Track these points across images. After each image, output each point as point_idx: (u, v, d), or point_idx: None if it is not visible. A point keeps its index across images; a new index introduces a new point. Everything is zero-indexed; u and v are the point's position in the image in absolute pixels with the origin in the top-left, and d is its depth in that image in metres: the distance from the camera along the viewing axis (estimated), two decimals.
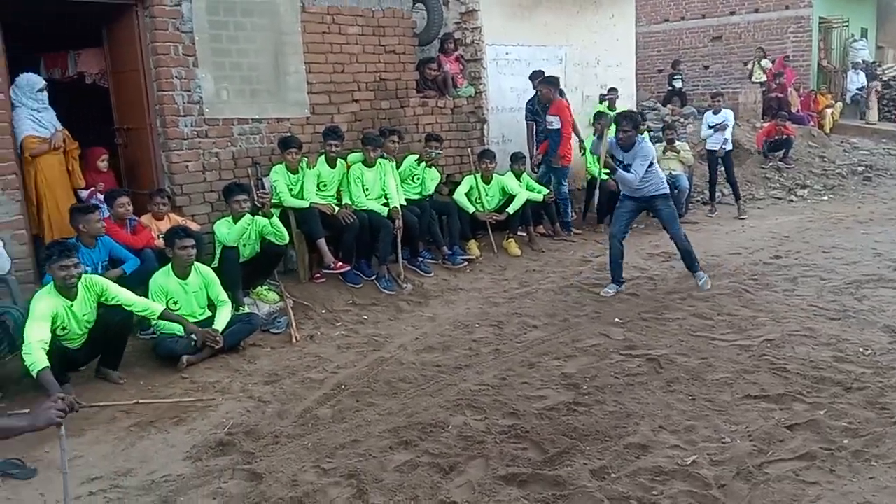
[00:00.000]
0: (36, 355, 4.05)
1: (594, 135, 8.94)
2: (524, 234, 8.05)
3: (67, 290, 4.38)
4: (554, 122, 8.22)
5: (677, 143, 9.60)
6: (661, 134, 10.21)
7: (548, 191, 8.24)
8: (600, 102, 9.87)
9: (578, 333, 5.24)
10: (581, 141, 8.98)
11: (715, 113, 9.83)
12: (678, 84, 14.56)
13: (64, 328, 4.42)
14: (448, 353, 5.00)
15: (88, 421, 4.09)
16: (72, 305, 4.43)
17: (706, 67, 17.16)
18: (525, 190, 7.93)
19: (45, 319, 4.21)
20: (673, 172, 9.36)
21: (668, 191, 6.41)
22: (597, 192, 8.93)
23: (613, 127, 8.73)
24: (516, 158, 8.13)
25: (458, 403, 4.10)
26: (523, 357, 4.83)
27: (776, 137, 12.00)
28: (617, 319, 5.50)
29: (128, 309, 4.65)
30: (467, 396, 4.19)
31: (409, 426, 3.83)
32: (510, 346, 5.06)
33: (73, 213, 5.25)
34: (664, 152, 9.65)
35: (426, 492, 3.17)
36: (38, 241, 5.67)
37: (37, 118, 5.71)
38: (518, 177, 8.06)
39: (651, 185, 6.21)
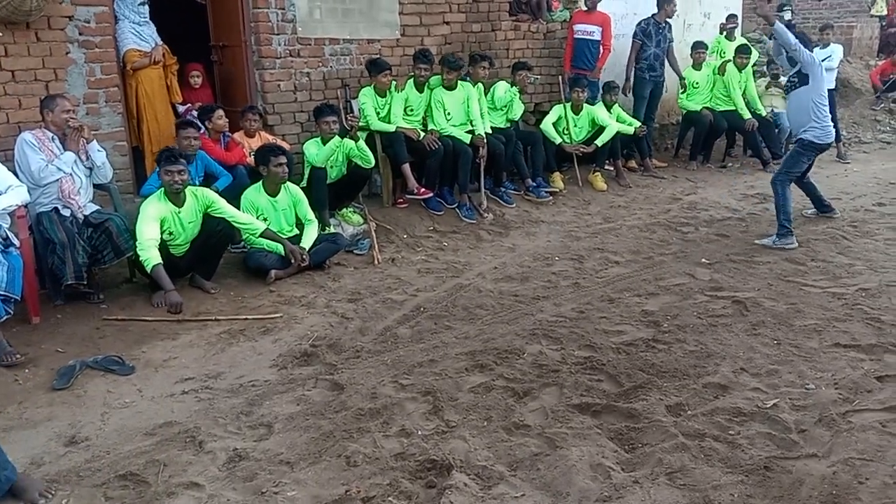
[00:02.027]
0: (150, 252, 4.38)
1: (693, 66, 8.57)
2: (611, 168, 7.84)
3: (175, 197, 4.62)
4: (595, 32, 7.87)
5: (782, 77, 9.04)
6: (765, 69, 9.65)
7: (640, 123, 7.97)
8: (720, 32, 9.34)
9: (662, 272, 5.13)
10: (681, 77, 8.59)
11: (823, 48, 9.17)
12: (787, 15, 13.49)
13: (170, 233, 4.68)
14: (526, 283, 5.00)
15: (182, 325, 4.34)
16: (179, 212, 4.68)
17: None
18: (615, 122, 7.69)
19: (154, 220, 4.51)
20: (775, 110, 8.90)
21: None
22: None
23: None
24: (609, 88, 7.86)
25: (534, 332, 4.12)
26: (603, 292, 4.78)
27: (891, 77, 11.13)
28: (704, 260, 5.35)
29: (232, 222, 4.85)
30: (544, 326, 4.21)
31: (484, 350, 3.88)
32: (590, 281, 5.02)
33: (177, 127, 5.47)
34: (767, 88, 9.16)
35: (500, 413, 3.23)
36: (138, 153, 5.93)
37: (138, 32, 5.87)
38: (609, 108, 7.81)
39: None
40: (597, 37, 7.91)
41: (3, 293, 3.83)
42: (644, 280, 4.99)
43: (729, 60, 8.58)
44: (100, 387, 3.60)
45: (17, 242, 4.17)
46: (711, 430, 3.06)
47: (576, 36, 7.89)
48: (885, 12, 13.39)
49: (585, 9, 7.99)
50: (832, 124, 5.66)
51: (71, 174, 4.59)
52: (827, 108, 5.62)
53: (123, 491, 2.72)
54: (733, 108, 8.54)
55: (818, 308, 4.38)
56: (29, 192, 4.40)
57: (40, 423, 3.26)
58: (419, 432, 3.08)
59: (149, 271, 4.46)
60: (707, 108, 8.59)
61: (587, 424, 3.14)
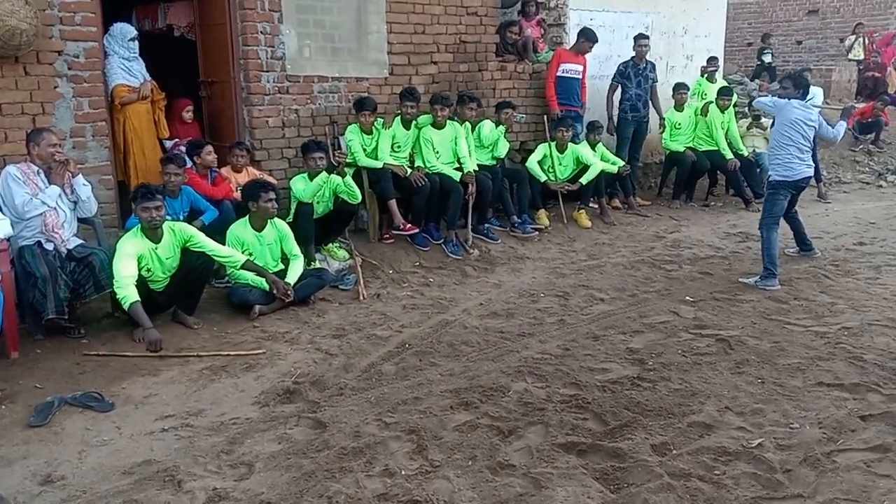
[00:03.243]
0: (127, 290, 4.34)
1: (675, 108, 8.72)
2: (596, 206, 7.92)
3: (152, 233, 4.60)
4: (581, 70, 8.09)
5: (763, 119, 9.22)
6: (746, 110, 9.84)
7: (623, 163, 8.08)
8: (702, 75, 9.54)
9: (647, 309, 5.15)
10: (661, 118, 8.75)
11: None
12: (767, 58, 13.94)
13: (148, 269, 4.64)
14: (512, 320, 5.00)
15: (164, 361, 4.28)
16: (156, 248, 4.65)
17: (799, 42, 16.35)
18: (600, 161, 7.78)
19: (131, 258, 4.47)
20: (757, 150, 9.05)
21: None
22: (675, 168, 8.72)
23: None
24: (593, 128, 7.99)
25: (519, 370, 4.11)
26: (588, 329, 4.79)
27: (869, 119, 11.38)
28: (688, 298, 5.38)
29: (212, 256, 4.84)
30: (529, 364, 4.19)
31: (470, 388, 3.86)
32: (575, 318, 5.02)
33: (161, 163, 5.48)
34: (748, 128, 9.32)
35: (484, 452, 3.20)
36: (123, 187, 5.92)
37: (127, 67, 5.91)
38: (593, 147, 7.92)
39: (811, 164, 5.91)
40: (580, 75, 8.08)
41: None
42: (629, 317, 5.00)
43: (711, 102, 8.75)
44: (78, 424, 3.53)
45: None
46: (697, 470, 3.05)
47: (563, 75, 8.01)
48: (861, 56, 13.74)
49: (573, 50, 8.12)
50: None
51: (55, 208, 4.57)
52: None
53: None
54: (716, 148, 8.69)
55: (801, 347, 4.40)
56: (12, 225, 4.37)
57: (15, 461, 3.19)
58: (402, 472, 3.04)
59: (126, 309, 4.40)
60: (690, 148, 8.72)
61: (572, 464, 3.11)
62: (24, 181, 4.53)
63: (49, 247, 4.50)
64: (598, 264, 6.41)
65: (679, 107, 8.78)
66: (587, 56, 8.14)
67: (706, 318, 4.93)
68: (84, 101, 5.39)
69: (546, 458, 3.15)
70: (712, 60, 9.60)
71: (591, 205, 7.85)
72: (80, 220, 4.85)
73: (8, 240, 4.34)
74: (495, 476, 3.02)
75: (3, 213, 4.40)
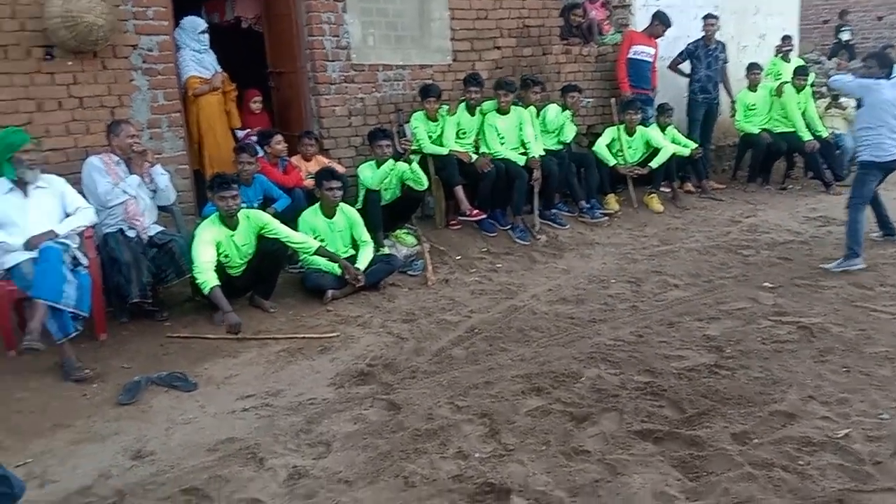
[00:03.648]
0: (207, 275, 4.48)
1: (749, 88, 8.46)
2: (668, 190, 7.74)
3: (229, 220, 4.74)
4: (652, 53, 7.95)
5: (843, 99, 8.83)
6: (824, 90, 9.44)
7: (695, 145, 7.87)
8: (776, 54, 9.21)
9: (723, 296, 5.01)
10: (732, 100, 8.48)
11: None
12: (845, 36, 13.35)
13: (226, 255, 4.78)
14: (582, 306, 4.94)
15: (243, 343, 4.41)
16: (233, 235, 4.79)
17: (879, 18, 15.56)
18: (671, 143, 7.60)
19: (210, 244, 4.62)
20: (836, 131, 8.67)
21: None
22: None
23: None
24: (663, 110, 7.80)
25: (591, 356, 4.06)
26: (662, 316, 4.69)
27: None
28: (767, 284, 5.20)
29: (286, 242, 4.94)
30: (602, 350, 4.14)
31: (541, 374, 3.84)
32: (648, 304, 4.93)
33: (234, 152, 5.62)
34: (827, 109, 8.94)
35: (558, 438, 3.18)
36: (199, 176, 6.09)
37: (199, 59, 6.07)
38: (663, 129, 7.74)
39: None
40: (652, 59, 7.93)
41: (72, 310, 3.96)
42: (704, 304, 4.87)
43: (786, 82, 8.42)
44: (164, 402, 3.67)
45: (85, 262, 4.31)
46: (780, 460, 2.95)
47: (634, 57, 7.86)
48: None
49: (645, 33, 7.96)
50: (895, 142, 5.47)
51: (136, 196, 4.74)
52: (884, 128, 5.40)
53: None
54: (792, 129, 8.36)
55: (889, 335, 4.20)
56: (96, 213, 4.55)
57: (108, 437, 3.34)
58: (476, 455, 3.05)
59: (206, 293, 4.55)
60: (765, 129, 8.42)
61: (649, 451, 3.06)
62: (106, 171, 4.71)
63: (131, 234, 4.67)
64: (672, 250, 6.26)
65: (753, 87, 8.50)
66: (659, 41, 7.95)
67: (786, 305, 4.77)
68: (159, 94, 5.55)
69: (621, 445, 3.11)
70: (786, 39, 9.24)
71: (662, 189, 7.68)
72: (160, 208, 5.02)
73: (93, 227, 4.52)
74: (570, 461, 2.99)
75: (88, 201, 4.58)
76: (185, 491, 2.83)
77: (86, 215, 4.44)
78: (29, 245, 4.13)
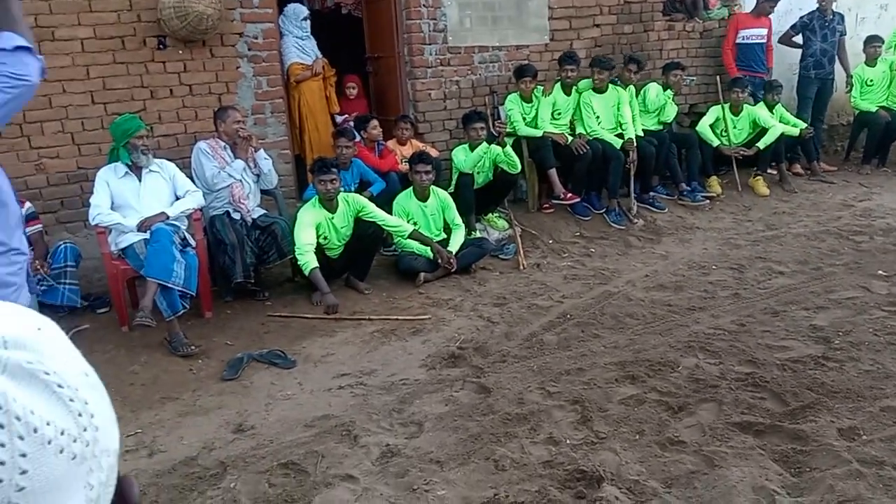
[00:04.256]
0: (307, 256, 4.66)
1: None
2: (774, 172, 7.36)
3: (328, 203, 4.88)
4: (765, 34, 7.55)
5: None
6: None
7: (805, 125, 7.44)
8: None
9: (832, 284, 4.75)
10: (849, 75, 7.95)
11: None
12: None
13: (325, 237, 4.93)
14: (680, 293, 4.79)
15: (339, 323, 4.54)
16: (332, 218, 4.93)
17: None
18: (779, 123, 7.22)
19: (310, 226, 4.78)
20: None
21: None
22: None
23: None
24: (771, 87, 7.39)
25: (689, 345, 3.93)
26: (766, 304, 4.49)
27: None
28: (881, 272, 4.89)
29: (382, 225, 5.05)
30: (700, 339, 4.00)
31: (635, 361, 3.75)
32: (751, 292, 4.73)
33: (333, 137, 5.76)
34: None
35: (653, 427, 3.10)
36: (299, 161, 6.28)
37: (301, 46, 6.23)
38: (771, 108, 7.35)
39: None
40: (765, 39, 7.57)
41: (181, 289, 4.18)
42: (812, 292, 4.63)
43: None
44: (264, 379, 3.83)
45: (193, 243, 4.54)
46: (892, 458, 2.77)
47: (744, 41, 7.54)
48: None
49: (753, 13, 7.59)
50: None
51: (241, 180, 4.94)
52: None
53: (285, 479, 2.87)
54: None
55: None
56: (203, 196, 4.78)
57: (211, 410, 3.52)
58: (567, 441, 3.03)
59: (306, 274, 4.71)
60: (883, 107, 7.85)
61: (749, 444, 2.94)
62: (213, 155, 4.92)
63: (236, 216, 4.88)
64: (777, 235, 5.97)
65: (871, 62, 7.92)
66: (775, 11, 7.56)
67: None
68: (263, 80, 5.74)
69: (719, 437, 3.00)
70: None
71: (769, 171, 7.31)
72: (263, 192, 5.21)
73: (201, 210, 4.75)
74: (664, 451, 2.92)
75: (196, 185, 4.81)
76: (283, 465, 2.94)
77: (194, 198, 4.67)
78: (141, 226, 4.39)
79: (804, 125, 7.41)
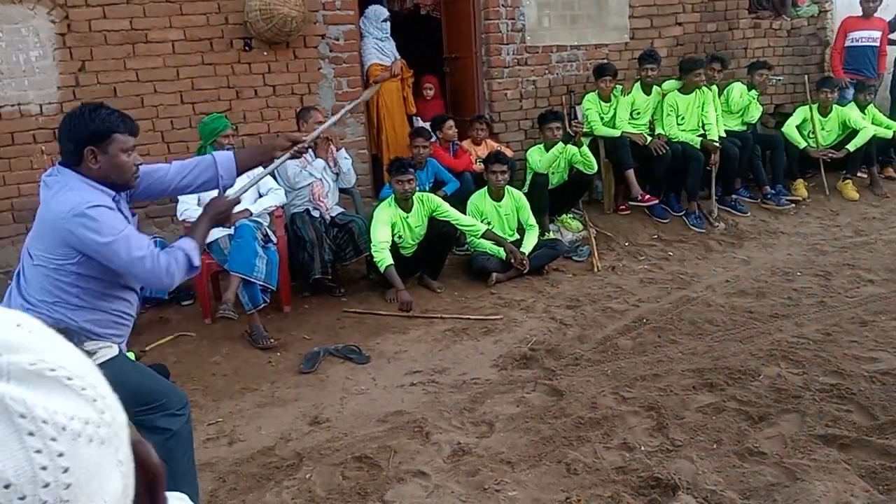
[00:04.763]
0: (383, 254, 4.75)
1: None
2: (865, 175, 7.02)
3: (404, 203, 4.96)
4: (877, 37, 7.23)
5: None
6: None
7: None
8: None
9: None
10: None
11: None
12: None
13: (400, 236, 5.01)
14: (763, 299, 4.64)
15: (412, 321, 4.59)
16: (407, 217, 5.01)
17: None
18: (871, 124, 6.88)
19: (386, 224, 4.87)
20: None
21: None
22: None
23: None
24: (862, 87, 7.05)
25: (771, 353, 3.81)
26: (854, 313, 4.30)
27: None
28: None
29: (455, 224, 5.09)
30: (783, 348, 3.87)
31: (714, 369, 3.66)
32: (838, 300, 4.53)
33: (409, 137, 5.84)
34: None
35: (731, 437, 3.02)
36: (376, 160, 6.38)
37: (380, 47, 6.32)
38: (862, 109, 7.01)
39: None
40: (877, 42, 7.27)
41: (262, 283, 4.32)
42: None
43: None
44: (339, 373, 3.92)
45: (274, 239, 4.68)
46: None
47: (854, 44, 7.27)
48: None
49: (861, 16, 7.29)
50: None
51: (321, 179, 5.06)
52: None
53: (359, 472, 2.93)
54: None
55: None
56: (285, 194, 4.92)
57: (289, 402, 3.63)
58: (642, 447, 2.98)
59: (382, 271, 4.78)
60: None
61: (833, 458, 2.83)
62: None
63: (315, 214, 5.00)
64: (867, 241, 5.71)
65: None
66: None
67: None
68: (343, 81, 5.86)
69: (802, 449, 2.90)
70: None
71: (859, 174, 6.98)
72: (341, 191, 5.32)
73: (282, 207, 4.89)
74: (743, 462, 2.84)
75: (277, 183, 4.96)
76: (356, 458, 3.01)
77: (277, 196, 4.81)
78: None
79: None
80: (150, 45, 5.25)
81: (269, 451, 3.15)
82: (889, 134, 6.96)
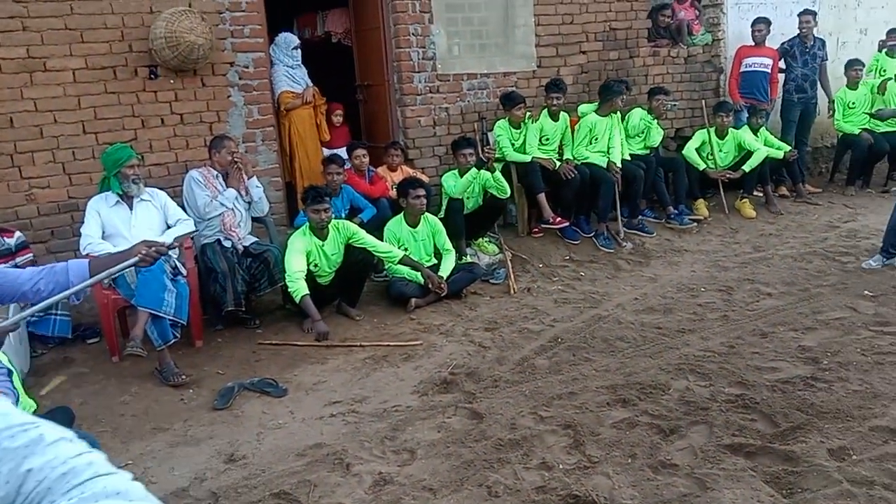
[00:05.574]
0: (298, 283, 4.67)
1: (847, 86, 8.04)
2: (760, 194, 7.46)
3: (319, 231, 4.90)
4: (768, 64, 7.77)
5: None
6: None
7: (790, 147, 7.55)
8: (879, 49, 8.73)
9: (820, 305, 4.79)
10: (831, 99, 8.11)
11: None
12: None
13: (316, 265, 4.95)
14: (670, 315, 4.83)
15: (330, 350, 4.54)
16: (323, 245, 4.95)
17: None
18: (764, 145, 7.32)
19: (301, 254, 4.80)
20: None
21: None
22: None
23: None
24: (755, 111, 7.52)
25: (680, 367, 3.96)
26: (755, 326, 4.53)
27: None
28: (867, 292, 4.94)
29: (372, 251, 5.07)
30: (690, 361, 4.03)
31: (627, 385, 3.77)
32: (740, 314, 4.77)
33: (323, 164, 5.80)
34: None
35: (645, 451, 3.12)
36: (290, 188, 6.31)
37: (291, 74, 6.30)
38: (755, 132, 7.46)
39: None
40: (769, 69, 7.76)
41: (171, 318, 4.18)
42: (800, 313, 4.67)
43: (889, 78, 7.96)
44: (256, 407, 3.82)
45: (184, 271, 4.55)
46: (881, 478, 2.80)
47: (747, 70, 7.77)
48: None
49: (755, 44, 7.79)
50: None
51: (232, 208, 4.96)
52: None
53: None
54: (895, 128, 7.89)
55: None
56: (195, 224, 4.79)
57: (203, 440, 3.50)
58: (560, 466, 3.03)
59: (297, 301, 4.71)
60: (866, 129, 7.99)
61: (740, 466, 2.96)
62: (205, 184, 4.95)
63: (227, 244, 4.89)
64: (765, 257, 6.03)
65: (853, 85, 8.08)
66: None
67: (889, 315, 4.51)
68: (254, 109, 5.79)
69: (711, 459, 3.02)
70: (892, 33, 8.69)
71: (755, 193, 7.41)
72: (254, 220, 5.23)
73: (192, 238, 4.76)
74: (657, 475, 2.93)
75: (187, 213, 4.83)
76: (275, 495, 2.93)
77: (186, 226, 4.69)
78: None
79: (788, 148, 7.53)
80: (49, 73, 5.05)
81: (184, 493, 3.03)
82: (781, 154, 7.42)
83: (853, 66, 8.09)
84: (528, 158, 6.48)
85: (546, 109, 6.67)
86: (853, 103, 8.06)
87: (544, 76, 6.97)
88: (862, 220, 6.96)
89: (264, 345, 4.63)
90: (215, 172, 5.03)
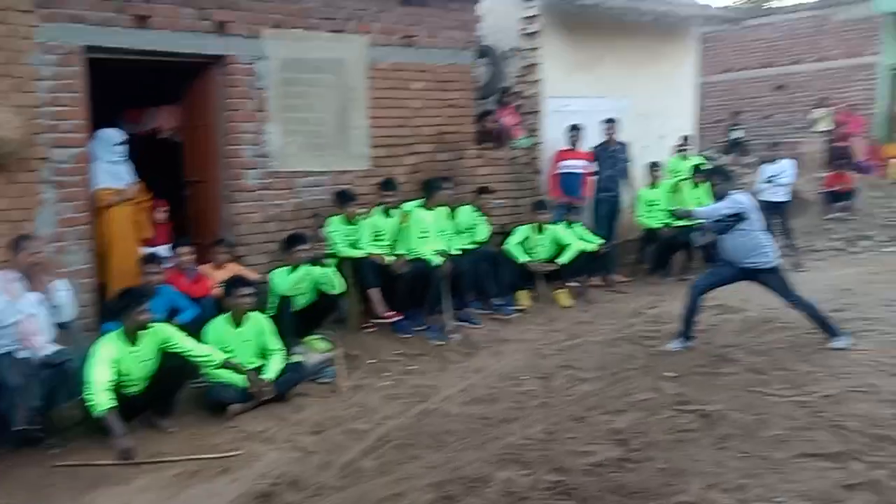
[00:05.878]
0: (99, 397, 4.27)
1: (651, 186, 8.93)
2: (577, 284, 7.97)
3: (131, 336, 4.59)
4: (581, 166, 8.59)
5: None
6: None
7: (601, 241, 8.19)
8: (675, 153, 9.78)
9: (629, 387, 5.13)
10: (632, 198, 8.99)
11: (773, 163, 9.63)
12: (737, 134, 14.35)
13: (125, 374, 4.59)
14: (494, 405, 4.96)
15: (137, 468, 4.18)
16: (135, 351, 4.62)
17: (767, 117, 16.83)
18: (578, 240, 7.90)
19: (106, 363, 4.43)
20: None
21: (777, 264, 5.85)
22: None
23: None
24: (571, 208, 8.15)
25: (503, 458, 4.05)
26: (571, 411, 4.75)
27: (838, 187, 11.68)
28: (669, 373, 5.36)
29: (189, 357, 4.79)
30: (513, 450, 4.14)
31: (452, 480, 3.80)
32: (558, 400, 4.99)
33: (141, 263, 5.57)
34: None
35: None
36: (102, 290, 5.93)
37: (113, 171, 6.03)
38: (571, 227, 8.05)
39: (756, 254, 5.72)
40: (582, 170, 8.51)
41: None
42: (612, 396, 4.97)
43: (683, 179, 8.96)
44: None
45: None
46: None
47: (564, 171, 8.49)
48: (831, 126, 14.11)
49: (570, 147, 8.51)
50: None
51: (34, 314, 4.57)
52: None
53: None
54: (690, 224, 8.81)
55: (783, 417, 4.38)
56: None
57: None
58: None
59: (97, 417, 4.31)
60: (666, 224, 8.84)
61: None
62: (2, 289, 4.55)
63: (24, 355, 4.47)
64: (580, 343, 6.38)
65: (653, 185, 8.99)
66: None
67: (688, 394, 4.90)
68: (68, 206, 5.47)
69: None
70: (684, 139, 9.87)
71: (571, 284, 7.90)
72: (58, 325, 4.84)
73: None
74: None
75: None
76: None
77: None
78: None
79: (599, 241, 8.16)
80: None
81: None
82: (593, 247, 8.02)
83: (653, 168, 9.03)
84: (360, 254, 6.56)
85: (379, 206, 6.85)
86: (654, 201, 8.93)
87: (378, 175, 7.15)
88: (664, 306, 7.54)
89: (60, 466, 4.18)
90: (14, 275, 4.64)
